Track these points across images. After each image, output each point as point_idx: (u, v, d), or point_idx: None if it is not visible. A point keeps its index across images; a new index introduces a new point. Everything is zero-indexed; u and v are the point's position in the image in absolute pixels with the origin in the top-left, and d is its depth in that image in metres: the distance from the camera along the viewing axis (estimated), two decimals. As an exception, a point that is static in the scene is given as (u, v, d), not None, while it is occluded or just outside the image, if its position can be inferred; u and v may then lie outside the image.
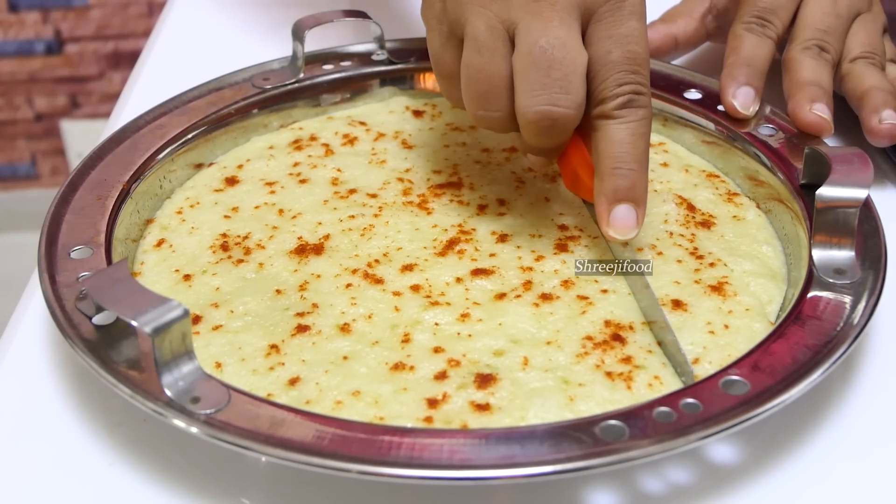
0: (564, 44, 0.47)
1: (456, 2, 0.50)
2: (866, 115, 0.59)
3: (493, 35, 0.48)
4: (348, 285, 0.50)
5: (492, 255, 0.52)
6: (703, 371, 0.45)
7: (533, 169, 0.57)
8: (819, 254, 0.48)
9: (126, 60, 1.93)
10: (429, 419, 0.42)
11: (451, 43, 0.51)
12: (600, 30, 0.49)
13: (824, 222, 0.49)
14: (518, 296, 0.49)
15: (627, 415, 0.40)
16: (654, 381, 0.44)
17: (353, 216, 0.55)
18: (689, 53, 0.72)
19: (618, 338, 0.47)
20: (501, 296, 0.49)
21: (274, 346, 0.46)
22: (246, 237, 0.54)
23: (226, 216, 0.56)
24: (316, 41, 0.66)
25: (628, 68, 0.49)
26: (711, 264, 0.51)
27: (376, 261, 0.52)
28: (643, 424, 0.39)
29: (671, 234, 0.54)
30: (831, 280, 0.47)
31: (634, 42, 0.49)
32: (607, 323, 0.47)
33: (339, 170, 0.59)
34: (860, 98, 0.60)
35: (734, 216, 0.55)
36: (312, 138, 0.63)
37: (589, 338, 0.47)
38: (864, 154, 0.51)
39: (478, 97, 0.50)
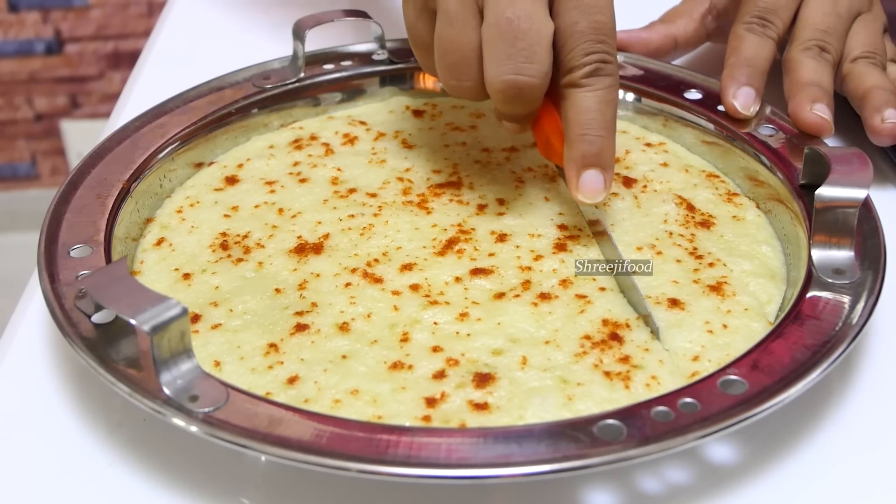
0: (530, 15, 0.49)
1: None
2: (868, 114, 0.59)
3: (463, 7, 0.50)
4: (347, 284, 0.50)
5: (491, 254, 0.52)
6: (702, 370, 0.45)
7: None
8: (818, 254, 0.49)
9: (126, 60, 1.93)
10: (427, 418, 0.42)
11: (424, 15, 0.53)
12: (567, 0, 0.50)
13: (824, 222, 0.49)
14: (517, 295, 0.49)
15: (625, 414, 0.40)
16: (651, 381, 0.44)
17: (352, 215, 0.55)
18: (690, 53, 0.72)
19: (615, 337, 0.47)
20: (500, 295, 0.49)
21: (273, 345, 0.46)
22: (245, 236, 0.54)
23: (226, 215, 0.56)
24: (316, 41, 0.66)
25: (595, 38, 0.50)
26: (711, 264, 0.51)
27: (376, 260, 0.52)
28: (641, 424, 0.39)
29: (671, 233, 0.54)
30: (830, 280, 0.47)
31: (600, 12, 0.51)
32: (605, 322, 0.47)
33: (339, 169, 0.59)
34: (862, 98, 0.60)
35: (734, 216, 0.55)
36: (313, 138, 0.63)
37: (587, 337, 0.47)
38: (863, 154, 0.51)
39: (449, 67, 0.51)
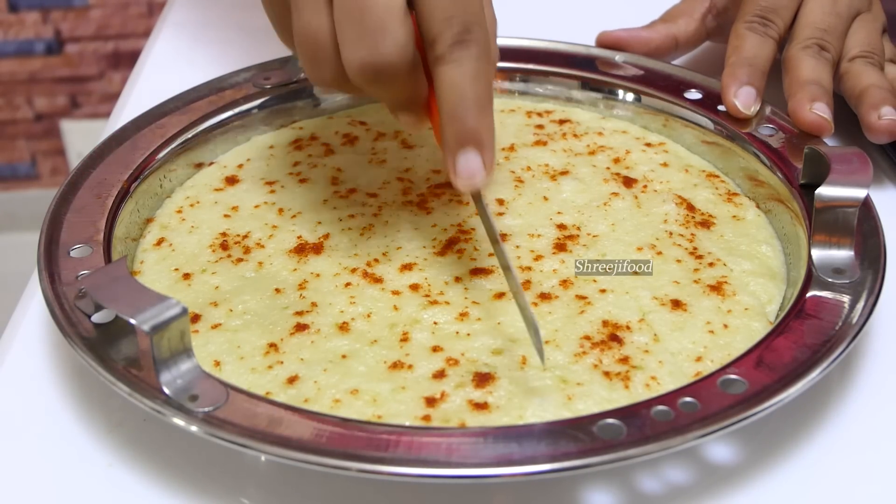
0: None
1: None
2: (865, 111, 0.59)
3: None
4: (347, 284, 0.50)
5: (491, 254, 0.52)
6: (705, 370, 0.45)
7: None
8: (818, 253, 0.49)
9: (126, 60, 1.93)
10: (427, 418, 0.42)
11: (281, 10, 0.50)
12: None
13: (824, 222, 0.49)
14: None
15: (625, 413, 0.40)
16: (651, 382, 0.44)
17: (352, 215, 0.55)
18: (689, 53, 0.72)
19: (615, 338, 0.47)
20: (500, 295, 0.49)
21: (273, 345, 0.46)
22: (245, 236, 0.54)
23: (225, 215, 0.56)
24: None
25: (453, 1, 0.46)
26: (711, 264, 0.51)
27: (375, 260, 0.52)
28: (641, 423, 0.39)
29: (671, 233, 0.54)
30: (830, 279, 0.47)
31: None
32: (605, 323, 0.47)
33: (338, 169, 0.59)
34: (859, 96, 0.60)
35: (734, 216, 0.55)
36: (312, 138, 0.63)
37: (587, 337, 0.47)
38: (863, 154, 0.51)
39: (307, 58, 0.48)
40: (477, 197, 0.48)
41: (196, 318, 0.48)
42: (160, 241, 0.54)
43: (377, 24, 0.45)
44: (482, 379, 0.44)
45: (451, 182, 0.47)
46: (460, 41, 0.46)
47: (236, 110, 0.62)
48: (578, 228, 0.54)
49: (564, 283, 0.50)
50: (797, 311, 0.45)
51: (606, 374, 0.45)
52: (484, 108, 0.46)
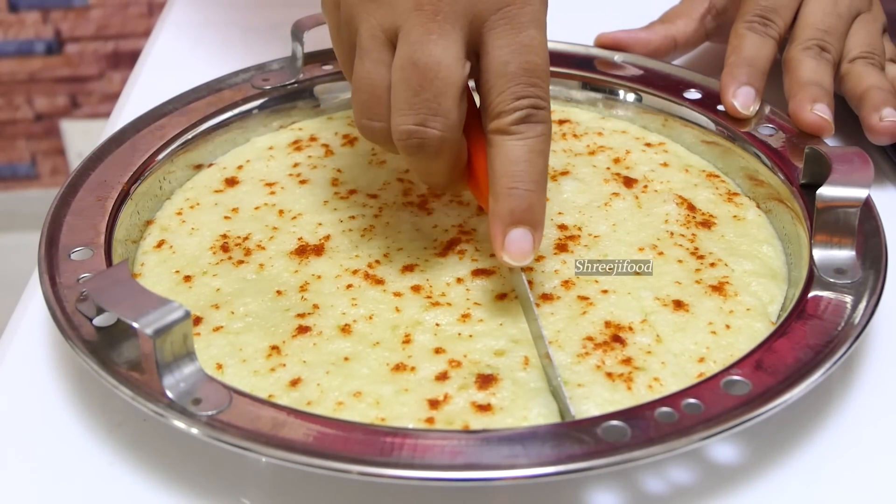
0: (438, 61, 0.45)
1: (347, 3, 0.48)
2: (866, 113, 0.59)
3: (375, 42, 0.46)
4: (349, 286, 0.50)
5: (492, 255, 0.52)
6: (708, 371, 0.45)
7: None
8: (820, 253, 0.49)
9: (126, 60, 1.93)
10: (430, 420, 0.42)
11: (345, 47, 0.50)
12: (496, 38, 0.46)
13: (825, 222, 0.49)
14: (518, 296, 0.49)
15: (629, 415, 0.40)
16: (653, 383, 0.44)
17: (353, 217, 0.55)
18: (689, 53, 0.72)
19: (618, 339, 0.47)
20: (502, 296, 0.49)
21: (275, 348, 0.46)
22: (246, 238, 0.54)
23: (226, 217, 0.56)
24: (316, 41, 0.65)
25: (527, 81, 0.46)
26: (712, 264, 0.51)
27: (377, 261, 0.52)
28: (645, 425, 0.39)
29: (671, 234, 0.54)
30: (832, 280, 0.47)
31: (534, 53, 0.46)
32: (607, 324, 0.47)
33: (339, 170, 0.59)
34: (860, 97, 0.60)
35: (734, 216, 0.55)
36: (312, 139, 0.62)
37: (589, 338, 0.47)
38: (864, 154, 0.51)
39: (359, 105, 0.48)
40: (518, 273, 0.48)
41: (198, 320, 0.48)
42: (160, 244, 0.54)
43: (432, 100, 0.45)
44: (485, 380, 0.44)
45: (496, 254, 0.47)
46: (527, 118, 0.46)
47: (236, 111, 0.62)
48: (579, 229, 0.54)
49: (566, 283, 0.50)
50: (799, 312, 0.45)
51: (609, 375, 0.45)
52: (541, 187, 0.46)
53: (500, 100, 0.46)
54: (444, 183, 0.50)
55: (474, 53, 0.47)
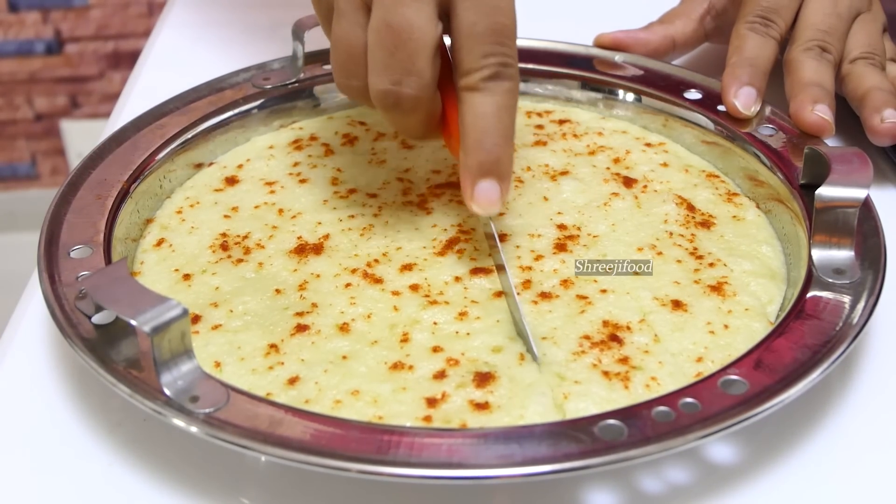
0: (412, 23, 0.46)
1: None
2: (868, 114, 0.59)
3: (351, 5, 0.48)
4: (348, 285, 0.50)
5: (491, 254, 0.52)
6: (706, 371, 0.45)
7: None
8: (818, 254, 0.49)
9: (126, 60, 1.93)
10: (428, 418, 0.42)
11: (324, 8, 0.51)
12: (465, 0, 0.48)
13: (824, 222, 0.49)
14: (517, 293, 0.49)
15: (626, 414, 0.40)
16: (651, 382, 0.44)
17: (352, 216, 0.55)
18: (689, 53, 0.72)
19: (615, 338, 0.47)
20: (500, 294, 0.49)
21: (273, 346, 0.46)
22: (246, 237, 0.54)
23: (225, 216, 0.56)
24: (316, 41, 0.65)
25: (495, 40, 0.48)
26: (711, 264, 0.51)
27: (376, 260, 0.52)
28: (642, 424, 0.39)
29: (671, 234, 0.54)
30: (831, 280, 0.47)
31: (502, 14, 0.48)
32: (605, 323, 0.47)
33: (338, 169, 0.59)
34: (861, 98, 0.60)
35: (734, 216, 0.55)
36: (312, 138, 0.63)
37: (587, 337, 0.47)
38: (863, 154, 0.51)
39: (337, 65, 0.50)
40: (487, 221, 0.51)
41: (196, 318, 0.48)
42: (160, 242, 0.54)
43: (407, 60, 0.47)
44: (483, 378, 0.44)
45: (466, 204, 0.49)
46: (496, 74, 0.48)
47: (236, 111, 0.62)
48: (579, 228, 0.54)
49: (565, 282, 0.50)
50: (798, 312, 0.45)
51: (606, 373, 0.45)
52: (508, 140, 0.48)
53: (470, 59, 0.48)
54: (419, 135, 0.52)
55: (445, 14, 0.49)
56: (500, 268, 0.50)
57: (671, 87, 0.63)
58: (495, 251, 0.50)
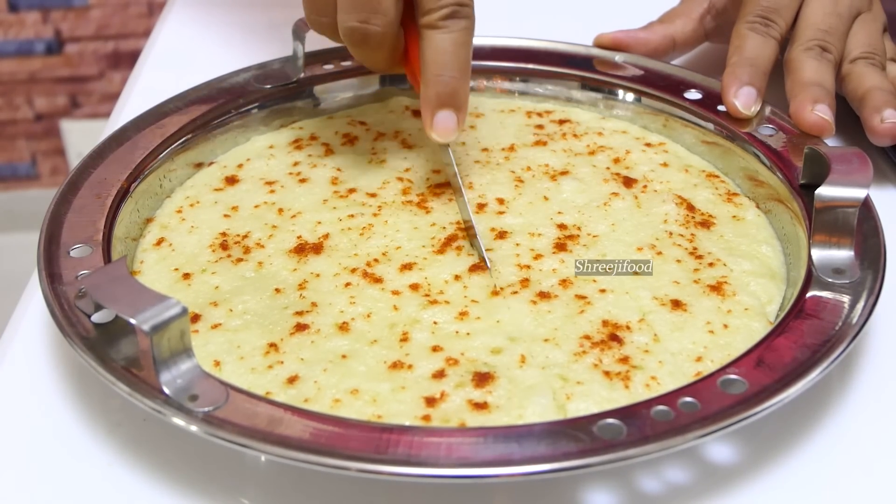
0: None
1: None
2: (868, 114, 0.59)
3: None
4: (347, 284, 0.50)
5: (489, 250, 0.52)
6: (705, 371, 0.45)
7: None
8: (818, 253, 0.49)
9: (126, 60, 1.93)
10: (427, 417, 0.42)
11: None
12: None
13: (823, 222, 0.49)
14: (515, 293, 0.49)
15: (625, 413, 0.40)
16: (651, 382, 0.44)
17: (352, 215, 0.55)
18: (689, 53, 0.72)
19: (615, 338, 0.47)
20: (498, 293, 0.49)
21: (273, 345, 0.46)
22: (245, 236, 0.54)
23: (225, 215, 0.56)
24: (316, 41, 0.65)
25: None
26: (711, 264, 0.51)
27: (375, 260, 0.52)
28: (641, 423, 0.39)
29: (671, 233, 0.54)
30: (830, 280, 0.47)
31: None
32: (605, 323, 0.47)
33: (338, 169, 0.59)
34: (861, 98, 0.60)
35: (734, 216, 0.55)
36: (312, 138, 0.63)
37: (587, 337, 0.47)
38: (863, 154, 0.51)
39: (308, 3, 0.55)
40: (446, 149, 0.56)
41: (196, 317, 0.48)
42: (160, 241, 0.54)
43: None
44: (482, 378, 0.44)
45: (426, 133, 0.54)
46: (454, 13, 0.53)
47: (236, 110, 0.62)
48: (579, 228, 0.54)
49: (564, 282, 0.50)
50: (797, 311, 0.45)
51: (606, 373, 0.45)
52: (465, 74, 0.54)
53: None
54: (382, 69, 0.57)
55: None
56: (458, 191, 0.55)
57: (671, 87, 0.63)
58: (454, 177, 0.55)
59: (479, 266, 0.51)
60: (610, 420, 0.39)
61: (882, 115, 0.59)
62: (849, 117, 0.62)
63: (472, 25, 0.54)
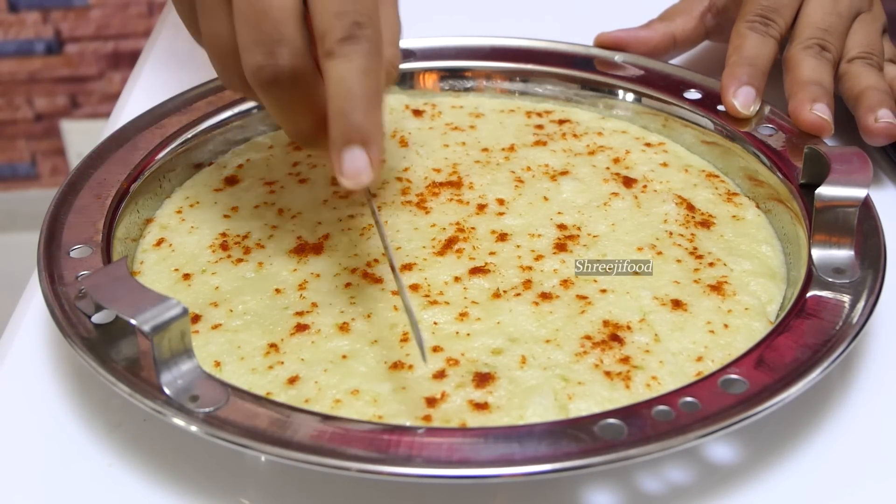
0: None
1: None
2: (862, 114, 0.59)
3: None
4: (347, 284, 0.50)
5: (491, 253, 0.52)
6: (706, 370, 0.45)
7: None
8: (818, 253, 0.49)
9: (126, 60, 1.93)
10: (427, 418, 0.42)
11: (186, 9, 0.50)
12: None
13: (824, 222, 0.49)
14: (517, 294, 0.49)
15: (626, 413, 0.40)
16: (651, 382, 0.44)
17: (352, 216, 0.55)
18: (689, 53, 0.72)
19: (616, 338, 0.47)
20: (500, 294, 0.49)
21: (273, 345, 0.46)
22: (245, 236, 0.54)
23: (225, 215, 0.56)
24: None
25: None
26: (711, 264, 0.51)
27: (375, 260, 0.52)
28: (642, 423, 0.39)
29: (671, 233, 0.54)
30: (830, 279, 0.47)
31: None
32: (606, 323, 0.47)
33: (338, 169, 0.59)
34: (856, 98, 0.60)
35: (734, 216, 0.55)
36: (312, 138, 0.62)
37: (588, 337, 0.47)
38: (863, 153, 0.51)
39: (216, 62, 0.48)
40: (367, 195, 0.48)
41: (196, 318, 0.48)
42: (160, 242, 0.54)
43: (272, 29, 0.44)
44: (482, 379, 0.44)
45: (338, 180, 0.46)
46: (350, 36, 0.45)
47: (236, 110, 0.62)
48: (579, 228, 0.54)
49: (565, 282, 0.50)
50: (798, 311, 0.45)
51: (607, 373, 0.45)
52: (372, 105, 0.45)
53: (322, 20, 0.45)
54: (309, 128, 0.48)
55: None
56: (387, 249, 0.47)
57: (671, 87, 0.63)
58: (380, 228, 0.48)
59: (480, 269, 0.51)
60: (611, 420, 0.39)
61: (876, 114, 0.59)
62: (848, 117, 0.62)
63: (375, 49, 0.45)
